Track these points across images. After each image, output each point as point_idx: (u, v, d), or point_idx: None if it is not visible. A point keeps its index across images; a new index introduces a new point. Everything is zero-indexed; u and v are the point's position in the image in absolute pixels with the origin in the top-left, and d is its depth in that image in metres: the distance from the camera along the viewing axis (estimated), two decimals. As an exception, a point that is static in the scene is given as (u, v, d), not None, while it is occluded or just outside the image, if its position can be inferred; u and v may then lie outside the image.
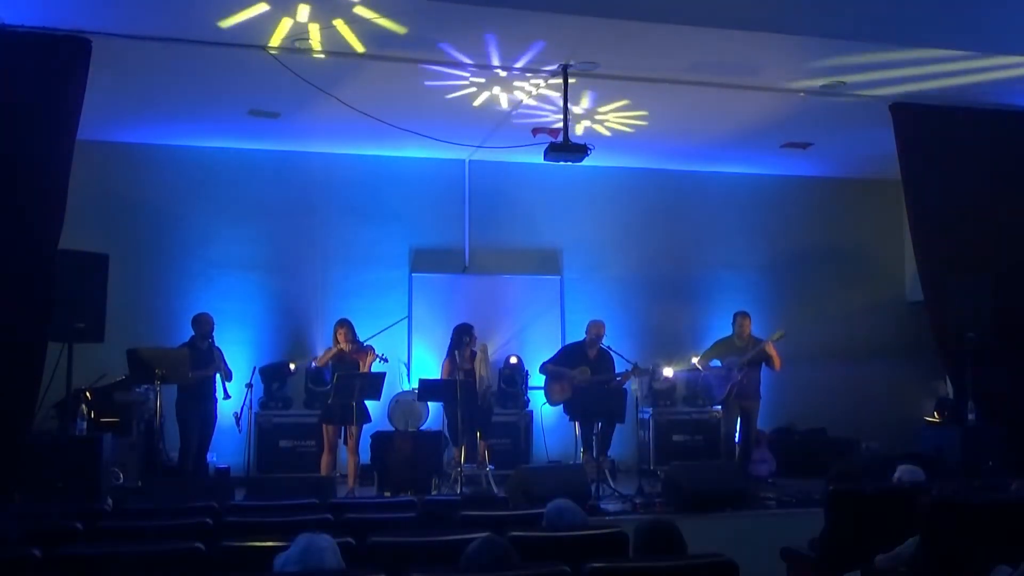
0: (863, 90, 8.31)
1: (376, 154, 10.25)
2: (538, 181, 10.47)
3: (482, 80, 7.95)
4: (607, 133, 9.34)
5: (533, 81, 7.95)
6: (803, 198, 11.39)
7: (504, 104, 8.49)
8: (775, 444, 9.74)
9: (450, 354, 8.85)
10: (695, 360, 9.79)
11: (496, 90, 8.19)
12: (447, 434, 8.79)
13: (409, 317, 10.21)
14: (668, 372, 10.25)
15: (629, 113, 8.91)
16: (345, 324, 8.66)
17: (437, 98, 8.27)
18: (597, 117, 9.00)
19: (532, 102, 8.45)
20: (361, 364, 8.50)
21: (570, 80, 7.64)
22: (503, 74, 7.77)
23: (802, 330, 10.17)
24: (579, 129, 9.15)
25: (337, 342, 8.65)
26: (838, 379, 10.79)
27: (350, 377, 8.18)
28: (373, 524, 4.52)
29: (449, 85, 7.99)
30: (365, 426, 8.54)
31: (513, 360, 10.01)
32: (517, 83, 8.03)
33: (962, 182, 8.56)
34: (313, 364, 9.24)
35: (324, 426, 8.49)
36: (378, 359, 8.60)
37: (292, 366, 9.67)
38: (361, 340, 8.71)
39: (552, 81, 7.81)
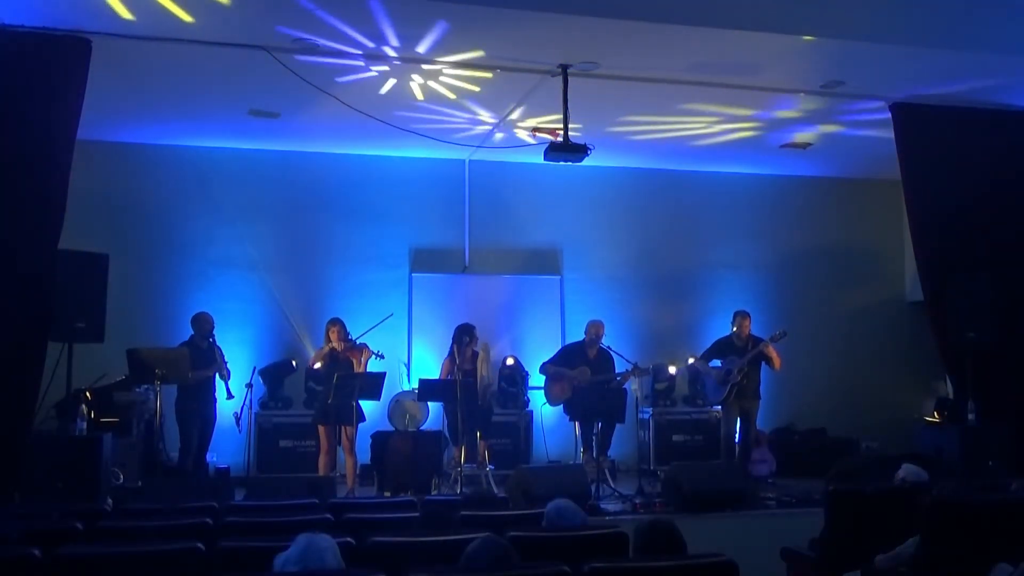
0: (863, 90, 8.31)
1: (376, 154, 10.24)
2: (538, 181, 10.47)
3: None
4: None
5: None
6: (803, 198, 11.39)
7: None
8: (775, 444, 9.74)
9: (450, 354, 8.83)
10: (692, 360, 9.80)
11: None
12: (447, 434, 8.79)
13: (409, 317, 10.21)
14: (672, 370, 10.25)
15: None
16: (337, 323, 8.60)
17: (436, 98, 8.27)
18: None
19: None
20: (355, 362, 8.45)
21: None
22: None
23: (802, 330, 10.18)
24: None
25: (328, 341, 8.59)
26: (838, 379, 10.82)
27: (350, 377, 8.17)
28: (373, 524, 4.53)
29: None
30: (363, 426, 8.51)
31: (510, 361, 9.99)
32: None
33: (962, 182, 8.56)
34: (312, 365, 9.23)
35: (319, 427, 8.47)
36: (374, 355, 8.56)
37: (294, 363, 9.67)
38: (354, 338, 8.67)
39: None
